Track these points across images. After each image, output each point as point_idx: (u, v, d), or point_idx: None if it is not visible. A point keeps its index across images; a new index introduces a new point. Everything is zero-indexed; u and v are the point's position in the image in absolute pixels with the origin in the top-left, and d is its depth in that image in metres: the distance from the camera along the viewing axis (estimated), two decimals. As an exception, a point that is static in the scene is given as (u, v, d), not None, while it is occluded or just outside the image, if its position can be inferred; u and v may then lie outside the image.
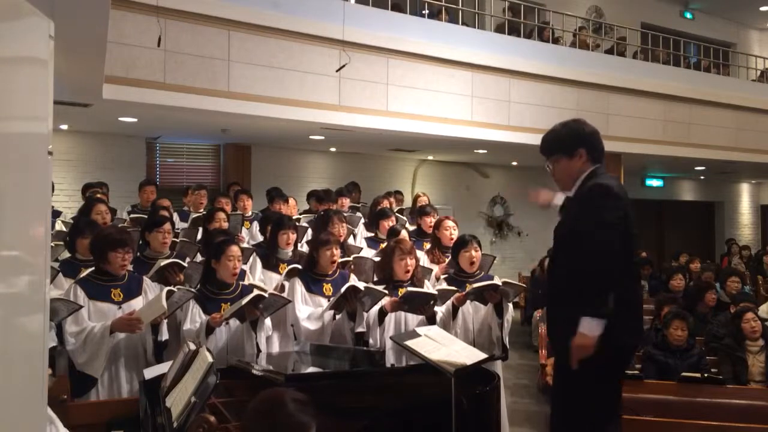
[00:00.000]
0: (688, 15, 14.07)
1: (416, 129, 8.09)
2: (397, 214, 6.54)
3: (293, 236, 4.81)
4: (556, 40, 10.24)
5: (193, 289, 3.79)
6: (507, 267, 11.85)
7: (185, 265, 4.33)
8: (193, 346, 2.78)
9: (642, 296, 3.08)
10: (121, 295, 3.71)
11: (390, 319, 4.09)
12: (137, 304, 3.68)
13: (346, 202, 7.34)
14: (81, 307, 3.53)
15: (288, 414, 1.83)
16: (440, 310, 4.18)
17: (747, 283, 8.34)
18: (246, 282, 4.22)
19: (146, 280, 3.93)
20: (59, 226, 5.49)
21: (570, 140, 2.88)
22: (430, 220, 5.60)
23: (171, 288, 3.67)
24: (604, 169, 2.90)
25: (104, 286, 3.70)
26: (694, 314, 5.66)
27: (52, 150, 1.57)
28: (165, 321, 3.66)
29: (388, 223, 5.85)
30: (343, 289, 3.92)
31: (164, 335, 3.69)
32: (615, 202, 2.68)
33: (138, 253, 4.54)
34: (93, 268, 3.84)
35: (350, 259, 4.87)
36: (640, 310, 2.93)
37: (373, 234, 6.12)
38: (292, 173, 10.23)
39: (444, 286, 4.25)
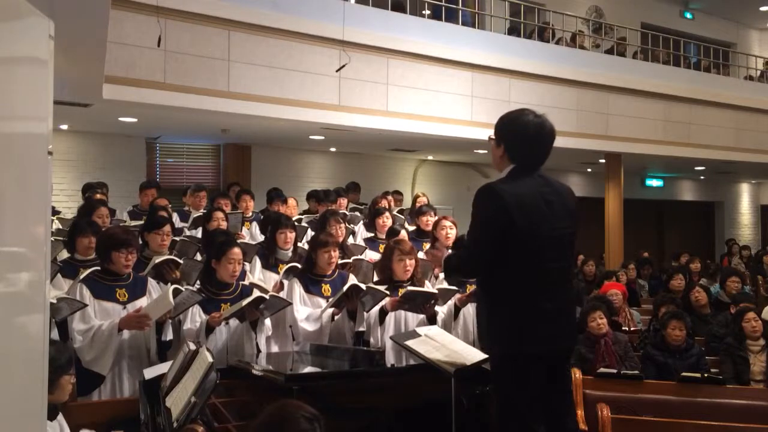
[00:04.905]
0: (688, 15, 14.06)
1: (416, 129, 8.09)
2: (396, 214, 6.53)
3: (291, 235, 4.80)
4: (558, 41, 10.25)
5: (199, 294, 3.76)
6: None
7: (181, 261, 4.33)
8: (193, 346, 2.78)
9: (566, 302, 2.81)
10: (126, 295, 3.72)
11: (390, 318, 4.09)
12: (142, 304, 3.68)
13: (344, 202, 7.33)
14: (85, 305, 3.53)
15: (299, 430, 1.81)
16: (441, 311, 4.19)
17: (747, 283, 8.30)
18: (246, 281, 4.23)
19: (151, 281, 3.93)
20: (56, 224, 5.48)
21: (499, 130, 2.82)
22: (426, 219, 5.60)
23: (178, 287, 3.66)
24: (535, 171, 2.75)
25: (109, 285, 3.71)
26: (692, 314, 5.65)
27: (52, 150, 1.57)
28: (170, 320, 3.66)
29: (383, 220, 5.85)
30: (345, 287, 3.92)
31: (168, 335, 3.68)
32: (492, 202, 2.64)
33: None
34: (96, 267, 3.85)
35: (350, 261, 4.87)
36: (561, 316, 2.74)
37: (372, 234, 6.13)
38: (292, 173, 10.22)
39: (444, 285, 4.25)
